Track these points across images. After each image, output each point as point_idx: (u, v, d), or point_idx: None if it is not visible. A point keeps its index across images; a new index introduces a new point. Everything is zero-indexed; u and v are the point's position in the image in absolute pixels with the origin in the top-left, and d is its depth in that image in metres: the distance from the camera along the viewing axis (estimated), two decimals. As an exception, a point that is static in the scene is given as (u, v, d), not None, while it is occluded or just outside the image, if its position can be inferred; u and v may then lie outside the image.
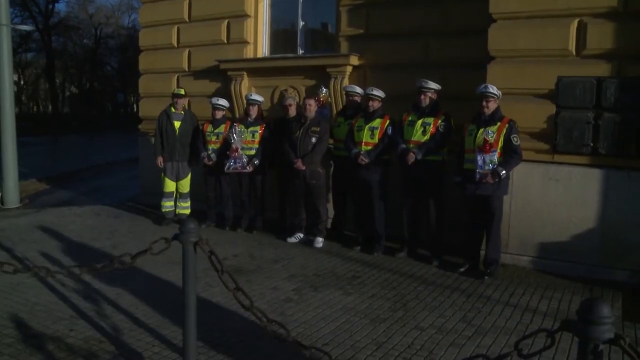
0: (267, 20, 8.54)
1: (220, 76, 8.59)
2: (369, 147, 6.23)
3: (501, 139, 5.37)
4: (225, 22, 8.48)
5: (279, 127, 7.17)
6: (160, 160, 7.72)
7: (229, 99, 8.09)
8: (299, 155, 6.61)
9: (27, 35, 37.21)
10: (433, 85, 5.97)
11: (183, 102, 7.91)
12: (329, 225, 7.09)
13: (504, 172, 5.32)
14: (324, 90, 7.52)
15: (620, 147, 5.40)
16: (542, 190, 5.77)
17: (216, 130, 7.45)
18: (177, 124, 7.67)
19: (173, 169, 7.76)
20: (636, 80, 5.29)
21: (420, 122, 5.97)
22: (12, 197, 9.49)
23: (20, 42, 37.89)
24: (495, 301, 4.87)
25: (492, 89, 5.44)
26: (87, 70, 45.77)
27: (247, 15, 8.31)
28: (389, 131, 6.19)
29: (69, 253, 6.24)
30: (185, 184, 7.86)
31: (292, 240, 6.90)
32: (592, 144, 5.50)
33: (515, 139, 5.36)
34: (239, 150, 7.06)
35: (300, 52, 8.32)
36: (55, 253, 6.22)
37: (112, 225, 7.78)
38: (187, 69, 9.03)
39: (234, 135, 7.04)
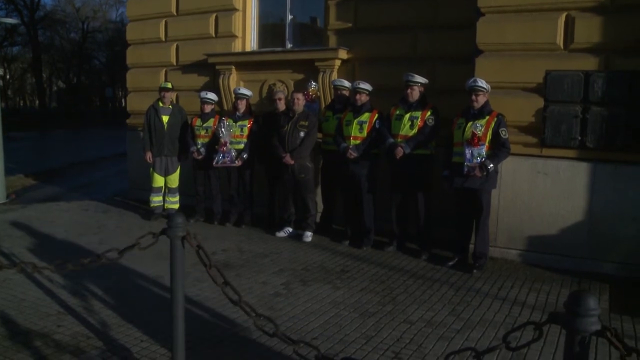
0: (255, 14, 8.50)
1: (209, 70, 8.54)
2: (358, 141, 6.22)
3: (489, 132, 5.40)
4: (214, 15, 8.43)
5: (267, 121, 7.15)
6: (148, 155, 7.67)
7: (217, 93, 8.05)
8: (288, 149, 6.60)
9: (13, 29, 36.77)
10: (420, 79, 5.97)
11: (171, 95, 7.86)
12: (317, 220, 7.09)
13: (491, 165, 5.34)
14: (313, 84, 7.50)
15: (607, 141, 5.43)
16: (530, 184, 5.80)
17: (205, 125, 7.41)
18: (165, 118, 7.62)
19: (162, 164, 7.71)
20: (623, 74, 5.32)
21: (407, 116, 5.97)
22: (-1, 193, 9.41)
23: (5, 36, 37.48)
24: (483, 294, 4.89)
25: (482, 83, 5.45)
26: (74, 64, 45.38)
27: (235, 9, 8.26)
28: (377, 125, 6.19)
29: (56, 249, 6.18)
30: (174, 179, 7.81)
31: (281, 234, 6.89)
32: (580, 138, 5.54)
33: (503, 132, 5.39)
34: (228, 144, 7.04)
35: (289, 46, 8.29)
36: (43, 249, 6.17)
37: (100, 221, 7.73)
38: (175, 63, 8.96)
39: (223, 129, 7.01)
